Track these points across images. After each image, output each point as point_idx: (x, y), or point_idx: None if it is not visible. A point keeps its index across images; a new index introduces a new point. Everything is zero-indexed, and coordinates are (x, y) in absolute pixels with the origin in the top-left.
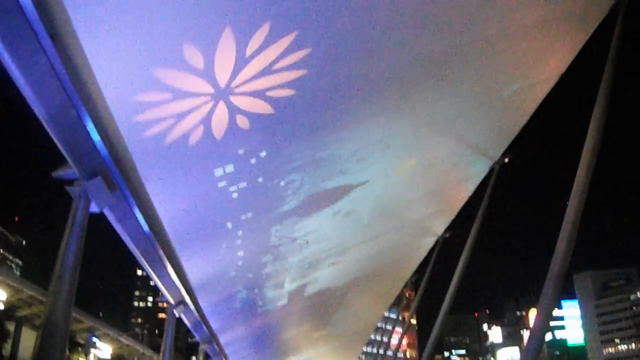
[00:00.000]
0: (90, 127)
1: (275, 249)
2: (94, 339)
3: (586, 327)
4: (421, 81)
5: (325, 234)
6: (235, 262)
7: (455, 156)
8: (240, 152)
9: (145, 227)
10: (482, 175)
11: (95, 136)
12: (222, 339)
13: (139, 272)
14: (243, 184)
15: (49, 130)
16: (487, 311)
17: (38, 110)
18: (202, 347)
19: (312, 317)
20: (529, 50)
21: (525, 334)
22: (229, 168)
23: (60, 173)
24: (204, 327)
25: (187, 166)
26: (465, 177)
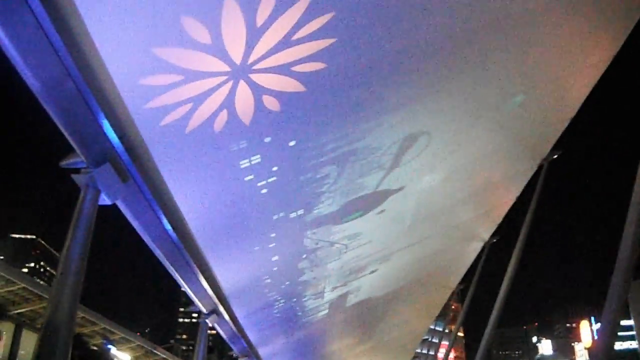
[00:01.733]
0: (93, 102)
1: (312, 254)
2: (109, 346)
3: (638, 337)
4: (466, 63)
5: (365, 237)
6: (269, 268)
7: (502, 151)
8: (267, 140)
9: (167, 226)
10: (530, 174)
11: (100, 115)
12: (262, 352)
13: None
14: (272, 178)
15: (45, 106)
16: (536, 324)
17: (31, 81)
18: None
19: (354, 329)
20: (578, 32)
21: (577, 347)
22: (256, 159)
23: (68, 162)
24: (241, 339)
25: (208, 157)
26: (512, 175)
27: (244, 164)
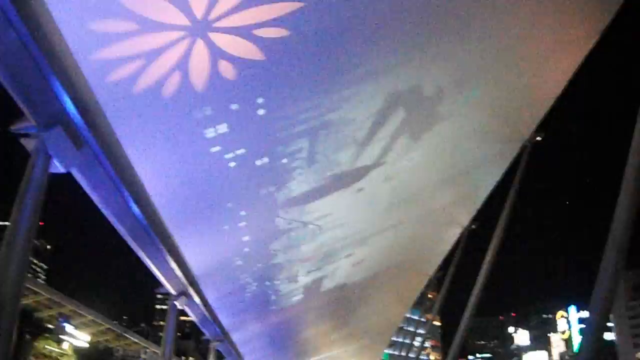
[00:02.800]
0: (39, 57)
1: (285, 235)
2: (65, 324)
3: (617, 329)
4: (445, 34)
5: (340, 219)
6: (240, 249)
7: (483, 132)
8: (234, 107)
9: (129, 200)
10: (513, 156)
11: (48, 71)
12: (235, 337)
13: None
14: (241, 150)
15: None
16: (512, 314)
17: None
18: (213, 344)
19: (330, 315)
20: (564, 9)
21: (553, 337)
22: (222, 128)
23: (18, 126)
24: (213, 323)
25: (171, 124)
26: (493, 157)
27: (210, 133)
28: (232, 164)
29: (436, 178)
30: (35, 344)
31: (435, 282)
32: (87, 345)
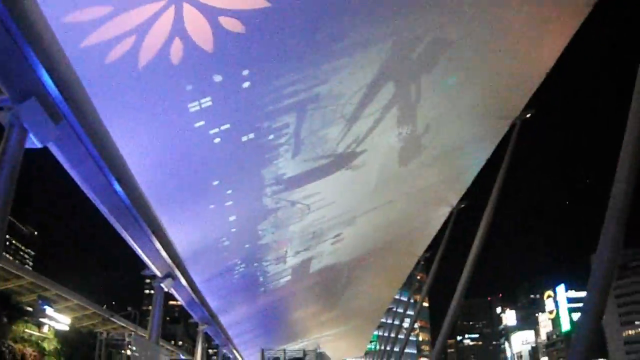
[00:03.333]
0: (7, 19)
1: (272, 215)
2: (46, 307)
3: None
4: (439, 7)
5: (328, 198)
6: (227, 229)
7: (472, 108)
8: (218, 80)
9: (111, 177)
10: (502, 133)
11: (19, 37)
12: (223, 320)
13: None
14: (226, 126)
15: None
16: (500, 295)
17: None
18: (201, 327)
19: (319, 297)
20: None
21: (541, 317)
22: (206, 102)
23: None
24: (201, 305)
25: (153, 96)
26: (483, 134)
27: (194, 107)
28: (217, 140)
29: (425, 156)
30: (14, 327)
31: (424, 263)
32: (68, 328)
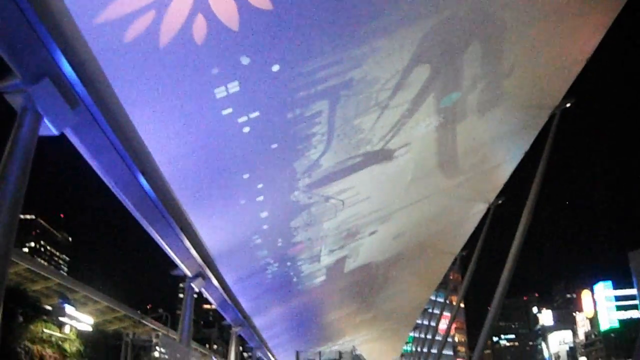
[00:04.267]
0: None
1: (305, 210)
2: (66, 305)
3: None
4: None
5: (363, 193)
6: (259, 226)
7: (510, 98)
8: (245, 62)
9: (134, 169)
10: (541, 124)
11: (33, 16)
12: (257, 322)
13: None
14: (255, 114)
15: None
16: (536, 294)
17: None
18: (235, 329)
19: (354, 298)
20: None
21: (578, 317)
22: (234, 87)
23: (4, 84)
24: (233, 307)
25: (177, 80)
26: (521, 125)
27: (220, 92)
28: (247, 129)
29: (461, 149)
30: (32, 327)
31: (459, 262)
32: (91, 329)
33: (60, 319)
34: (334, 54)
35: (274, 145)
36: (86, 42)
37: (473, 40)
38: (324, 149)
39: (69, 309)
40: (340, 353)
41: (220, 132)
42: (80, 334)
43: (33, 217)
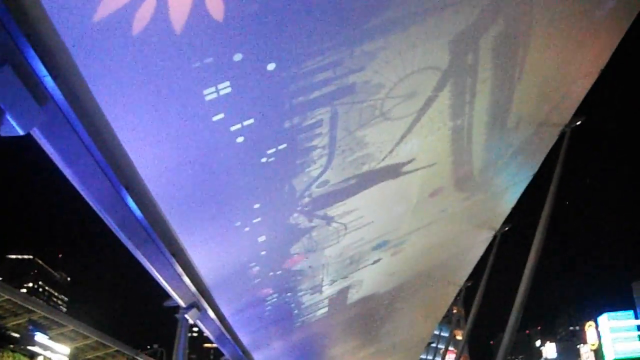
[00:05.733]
0: None
1: (305, 235)
2: (37, 333)
3: None
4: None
5: (367, 217)
6: (256, 252)
7: (519, 116)
8: (237, 59)
9: (116, 181)
10: (550, 144)
11: None
12: (257, 357)
13: None
14: (249, 121)
15: None
16: (539, 327)
17: None
18: None
19: (358, 331)
20: None
21: (583, 349)
22: (225, 88)
23: None
24: (232, 341)
25: (153, 75)
26: (529, 144)
27: (210, 94)
28: (240, 139)
29: (469, 170)
30: None
31: (464, 294)
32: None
33: (31, 348)
34: (335, 53)
35: (271, 159)
36: (55, 28)
37: (485, 52)
38: (325, 165)
39: (40, 337)
40: None
41: (211, 142)
42: None
43: (31, 257)
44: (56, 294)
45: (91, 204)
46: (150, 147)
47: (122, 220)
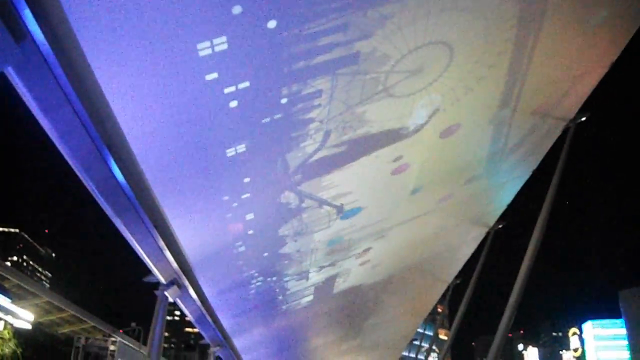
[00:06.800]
0: None
1: (296, 216)
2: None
3: (633, 347)
4: None
5: (360, 201)
6: (244, 231)
7: (521, 109)
8: (236, 11)
9: (97, 139)
10: (554, 139)
11: None
12: (237, 343)
13: None
14: (244, 84)
15: None
16: (521, 331)
17: None
18: (213, 349)
19: (341, 323)
20: None
21: (565, 355)
22: (221, 43)
23: None
24: (212, 323)
25: (143, 21)
26: (532, 138)
27: (204, 49)
28: (234, 104)
29: (468, 159)
30: None
31: (450, 293)
32: (30, 326)
33: None
34: (340, 17)
35: (265, 130)
36: None
37: (496, 35)
38: (321, 141)
39: (1, 299)
40: None
41: (202, 105)
42: (19, 333)
43: (17, 230)
44: (40, 269)
45: (69, 162)
46: (136, 102)
47: (102, 183)
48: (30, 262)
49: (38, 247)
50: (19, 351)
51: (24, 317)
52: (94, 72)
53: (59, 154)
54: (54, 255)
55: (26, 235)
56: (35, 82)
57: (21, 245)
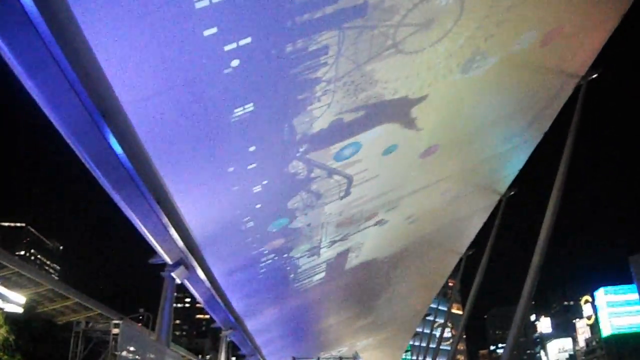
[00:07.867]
0: None
1: (305, 188)
2: None
3: None
4: None
5: (371, 169)
6: (251, 204)
7: (532, 67)
8: None
9: (90, 105)
10: (565, 98)
11: None
12: (250, 325)
13: None
14: (246, 40)
15: None
16: (533, 302)
17: None
18: (225, 333)
19: (354, 300)
20: None
21: (578, 324)
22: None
23: None
24: (222, 304)
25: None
26: (542, 97)
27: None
28: (236, 63)
29: (479, 124)
30: None
31: (463, 266)
32: (21, 310)
33: None
34: None
35: (269, 90)
36: None
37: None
38: (329, 103)
39: None
40: (341, 359)
41: (201, 65)
42: (11, 319)
43: (24, 224)
44: (48, 262)
45: (60, 130)
46: (130, 63)
47: (98, 154)
48: (38, 256)
49: (45, 240)
50: (11, 338)
51: (15, 300)
52: (83, 31)
53: (54, 129)
54: (61, 247)
55: (32, 229)
56: (17, 38)
57: (28, 239)
